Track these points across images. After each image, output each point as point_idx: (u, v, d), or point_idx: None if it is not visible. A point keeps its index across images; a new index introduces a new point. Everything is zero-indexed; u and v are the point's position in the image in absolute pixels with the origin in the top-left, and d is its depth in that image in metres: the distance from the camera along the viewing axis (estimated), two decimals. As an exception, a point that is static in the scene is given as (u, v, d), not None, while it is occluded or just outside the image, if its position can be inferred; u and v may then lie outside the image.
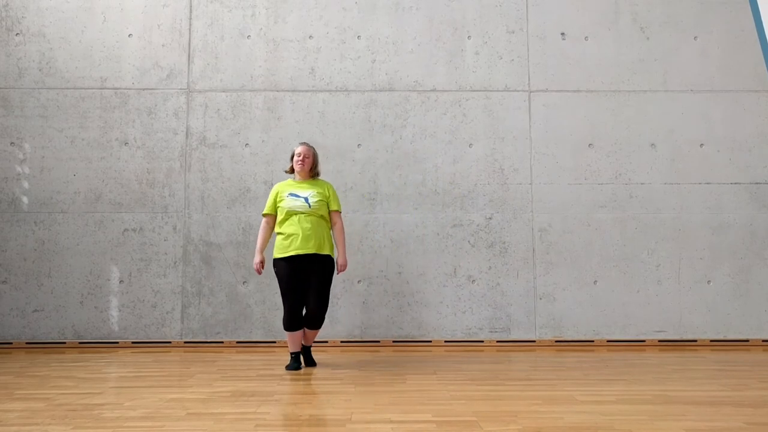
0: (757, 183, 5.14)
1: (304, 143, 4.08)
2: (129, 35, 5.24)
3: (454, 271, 5.07)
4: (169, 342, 4.97)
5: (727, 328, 5.02)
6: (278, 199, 3.97)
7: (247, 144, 5.16)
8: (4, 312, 4.96)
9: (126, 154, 5.13)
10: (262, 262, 3.96)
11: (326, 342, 4.98)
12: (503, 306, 5.04)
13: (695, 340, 5.01)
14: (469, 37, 5.27)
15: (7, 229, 5.03)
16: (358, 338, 5.00)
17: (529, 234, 5.10)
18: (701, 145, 5.18)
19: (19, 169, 5.10)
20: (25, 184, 5.09)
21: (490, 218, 5.11)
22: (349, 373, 3.78)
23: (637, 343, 4.99)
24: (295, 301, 3.83)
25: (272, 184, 5.11)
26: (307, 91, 5.22)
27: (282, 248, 3.88)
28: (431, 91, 5.22)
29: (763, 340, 4.99)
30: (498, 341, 5.01)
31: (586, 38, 5.28)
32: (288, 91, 5.21)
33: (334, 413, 2.76)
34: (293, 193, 3.94)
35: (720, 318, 5.02)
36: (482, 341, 5.00)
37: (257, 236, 4.11)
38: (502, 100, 5.22)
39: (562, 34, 5.28)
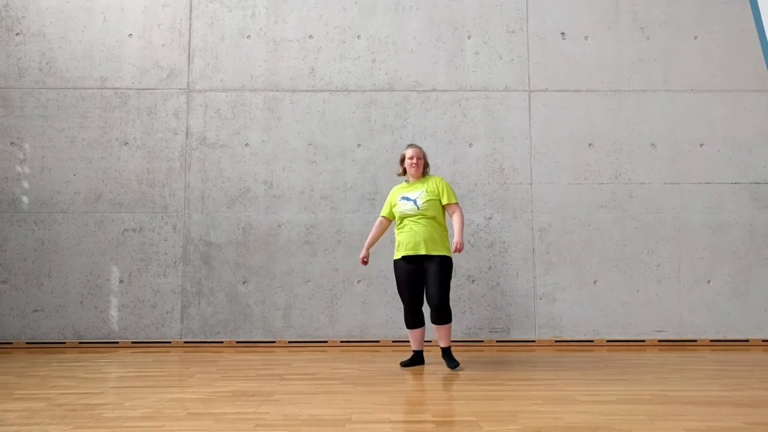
0: (757, 183, 5.14)
1: (412, 145, 4.09)
2: (129, 35, 5.24)
3: (454, 271, 5.06)
4: (169, 342, 4.97)
5: (727, 328, 5.02)
6: (393, 203, 4.04)
7: (247, 144, 5.16)
8: (4, 312, 4.96)
9: (126, 154, 5.13)
10: (365, 258, 4.08)
11: (326, 342, 4.99)
12: (503, 306, 5.04)
13: (695, 340, 5.01)
14: (469, 36, 5.27)
15: (7, 228, 5.03)
16: (358, 338, 5.00)
17: (529, 234, 5.10)
18: (701, 144, 5.18)
19: (19, 169, 5.10)
20: (26, 184, 5.09)
21: (490, 218, 5.11)
22: (348, 373, 3.78)
23: (637, 343, 4.99)
24: (411, 299, 3.92)
25: (272, 184, 5.11)
26: (307, 90, 5.22)
27: (397, 250, 3.99)
28: (431, 90, 5.22)
29: (763, 340, 4.99)
30: (498, 341, 5.01)
31: (586, 38, 5.28)
32: (288, 91, 5.21)
33: (334, 413, 2.76)
34: (404, 197, 3.99)
35: (720, 318, 5.02)
36: (482, 341, 5.00)
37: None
38: (502, 99, 5.22)
39: (562, 33, 5.28)
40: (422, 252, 3.86)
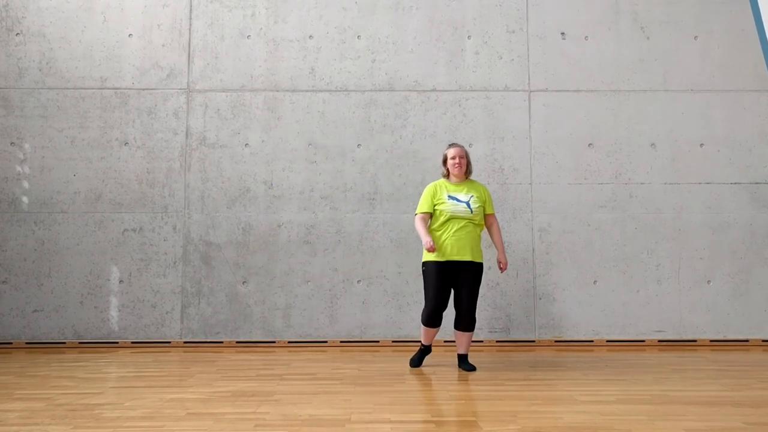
0: (757, 183, 5.14)
1: (454, 144, 4.04)
2: (129, 35, 5.24)
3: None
4: (169, 342, 4.97)
5: (727, 328, 5.02)
6: (437, 200, 3.90)
7: (247, 144, 5.16)
8: (4, 312, 4.96)
9: (126, 154, 5.13)
10: (432, 242, 3.79)
11: (326, 342, 4.99)
12: (503, 306, 5.03)
13: (695, 340, 5.00)
14: (469, 36, 5.27)
15: (7, 229, 5.03)
16: (358, 338, 5.00)
17: (528, 234, 5.10)
18: (701, 144, 5.18)
19: (19, 169, 5.10)
20: (25, 184, 5.09)
21: (490, 218, 5.10)
22: (348, 373, 3.78)
23: (636, 343, 4.99)
24: (440, 302, 3.82)
25: (272, 184, 5.11)
26: (307, 90, 5.22)
27: (439, 253, 3.83)
28: (431, 90, 5.22)
29: (763, 340, 4.99)
30: (497, 341, 5.01)
31: (586, 38, 5.28)
32: (288, 91, 5.21)
33: (334, 413, 2.76)
34: (453, 197, 3.89)
35: (720, 318, 5.02)
36: (482, 341, 5.00)
37: (417, 228, 3.91)
38: (502, 99, 5.22)
39: (562, 33, 5.28)
40: (467, 258, 3.82)
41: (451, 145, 4.03)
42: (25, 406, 2.90)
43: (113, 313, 4.99)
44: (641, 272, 5.06)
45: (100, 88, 5.18)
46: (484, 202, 3.96)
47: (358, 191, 5.12)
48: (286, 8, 5.28)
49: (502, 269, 3.99)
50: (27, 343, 4.95)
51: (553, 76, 5.24)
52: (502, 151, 5.17)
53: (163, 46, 5.23)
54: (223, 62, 5.22)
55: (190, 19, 5.26)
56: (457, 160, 3.93)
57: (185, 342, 4.98)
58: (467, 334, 3.91)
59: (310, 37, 5.26)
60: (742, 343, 4.98)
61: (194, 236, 5.06)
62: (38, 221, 5.04)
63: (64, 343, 4.96)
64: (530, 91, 5.23)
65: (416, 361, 4.01)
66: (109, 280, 5.01)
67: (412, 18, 5.28)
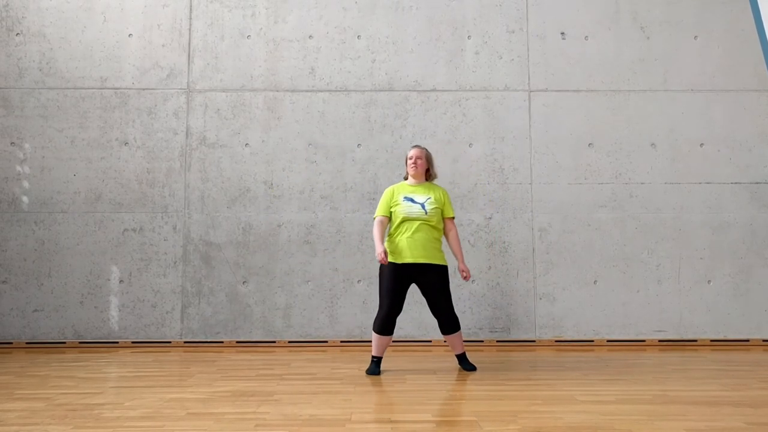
0: (757, 183, 5.13)
1: (416, 146, 4.00)
2: (129, 35, 5.24)
3: (454, 271, 5.06)
4: (169, 342, 4.97)
5: (727, 328, 5.02)
6: (393, 202, 3.87)
7: (247, 144, 5.16)
8: (4, 312, 4.96)
9: (126, 154, 5.13)
10: (386, 252, 3.73)
11: (326, 342, 4.98)
12: (503, 306, 5.03)
13: (695, 340, 5.00)
14: (469, 36, 5.27)
15: (7, 228, 5.03)
16: (358, 338, 5.00)
17: (529, 234, 5.10)
18: (701, 144, 5.18)
19: (19, 168, 5.10)
20: (26, 184, 5.09)
21: (490, 218, 5.10)
22: (348, 373, 3.78)
23: (637, 343, 4.99)
24: (394, 305, 3.73)
25: (272, 184, 5.11)
26: (307, 90, 5.22)
27: (393, 254, 3.78)
28: (431, 90, 5.22)
29: (764, 340, 4.99)
30: (498, 341, 5.01)
31: (586, 38, 5.28)
32: (288, 90, 5.21)
33: (334, 413, 2.76)
34: (409, 197, 3.85)
35: (720, 318, 5.02)
36: (482, 341, 5.00)
37: (373, 234, 3.83)
38: (502, 99, 5.21)
39: (562, 33, 5.28)
40: (424, 261, 3.75)
41: (413, 147, 4.00)
42: (25, 406, 2.90)
43: (113, 313, 4.99)
44: (641, 272, 5.06)
45: (100, 88, 5.18)
46: (443, 205, 3.90)
47: (358, 191, 5.12)
48: (286, 8, 5.28)
49: (464, 278, 3.89)
50: (27, 342, 4.95)
51: (553, 76, 5.24)
52: (502, 151, 5.17)
53: (163, 46, 5.23)
54: (223, 62, 5.22)
55: (190, 19, 5.26)
56: (413, 160, 3.91)
57: (185, 342, 4.98)
58: (455, 335, 3.88)
59: (310, 37, 5.26)
60: (742, 343, 4.98)
61: (194, 236, 5.06)
62: (38, 221, 5.04)
63: (64, 342, 4.96)
64: (530, 91, 5.23)
65: (373, 370, 3.78)
66: (109, 279, 5.01)
67: (412, 18, 5.28)
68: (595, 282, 5.06)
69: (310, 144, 5.16)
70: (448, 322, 3.83)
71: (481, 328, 5.01)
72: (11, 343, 4.94)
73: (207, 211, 5.09)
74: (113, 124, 5.15)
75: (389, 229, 3.90)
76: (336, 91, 5.22)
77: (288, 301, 5.02)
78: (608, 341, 5.01)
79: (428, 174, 4.00)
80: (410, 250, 3.75)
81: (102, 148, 5.13)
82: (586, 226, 5.11)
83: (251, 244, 5.05)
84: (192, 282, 5.02)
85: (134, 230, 5.06)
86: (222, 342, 4.98)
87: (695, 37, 5.26)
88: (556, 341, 5.01)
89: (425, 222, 3.81)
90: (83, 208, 5.07)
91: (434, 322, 4.99)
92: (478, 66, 5.24)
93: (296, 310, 5.01)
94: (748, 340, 4.99)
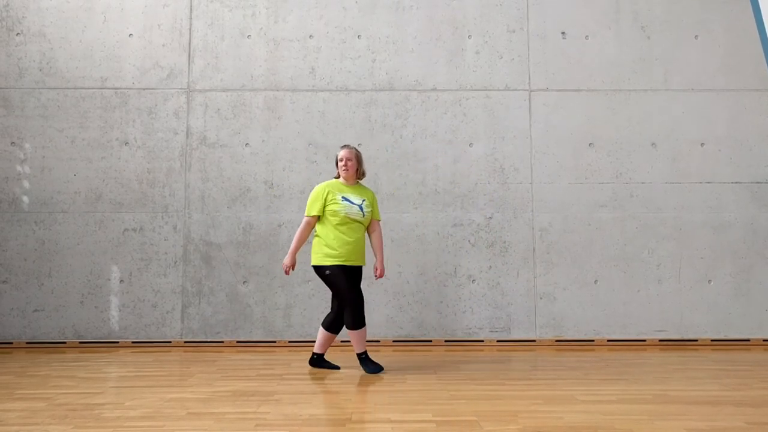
0: (758, 182, 5.13)
1: (345, 146, 3.97)
2: (129, 35, 5.24)
3: (455, 271, 5.06)
4: (170, 342, 4.97)
5: (728, 328, 5.01)
6: (329, 201, 3.81)
7: (247, 144, 5.16)
8: (4, 312, 4.96)
9: (126, 154, 5.13)
10: (293, 265, 3.82)
11: (327, 342, 4.98)
12: (503, 305, 5.03)
13: (696, 340, 5.00)
14: (469, 36, 5.27)
15: (7, 228, 5.03)
16: (359, 338, 4.99)
17: (529, 233, 5.10)
18: (702, 144, 5.17)
19: (19, 168, 5.10)
20: (26, 184, 5.09)
21: (491, 218, 5.10)
22: (349, 373, 3.78)
23: (637, 343, 4.99)
24: (359, 298, 3.77)
25: (272, 184, 5.11)
26: (307, 90, 5.21)
27: (338, 256, 3.75)
28: (431, 90, 5.22)
29: (764, 340, 4.99)
30: (498, 341, 5.01)
31: (586, 37, 5.27)
32: (288, 90, 5.21)
33: (334, 413, 2.76)
34: (348, 198, 3.83)
35: (721, 317, 5.02)
36: (482, 341, 5.00)
37: (296, 236, 3.85)
38: (502, 99, 5.21)
39: (563, 33, 5.28)
40: (361, 263, 3.87)
41: (342, 147, 3.97)
42: (26, 406, 2.90)
43: (114, 312, 4.99)
44: (642, 272, 5.06)
45: (101, 88, 5.18)
46: (372, 207, 3.94)
47: (358, 191, 5.12)
48: (287, 8, 5.27)
49: (377, 276, 3.94)
50: (27, 342, 4.95)
51: (554, 75, 5.23)
52: (502, 150, 5.17)
53: (163, 46, 5.23)
54: (224, 62, 5.22)
55: (191, 19, 5.26)
56: (344, 162, 3.88)
57: (186, 342, 4.97)
58: (359, 331, 3.84)
59: (311, 36, 5.26)
60: (743, 343, 4.98)
61: (194, 236, 5.06)
62: (39, 221, 5.05)
63: (65, 342, 4.96)
64: (531, 91, 5.22)
65: (373, 369, 3.80)
66: (109, 279, 5.01)
67: (413, 17, 5.28)
68: (595, 282, 5.06)
69: (310, 144, 5.16)
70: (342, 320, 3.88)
71: (481, 328, 5.01)
72: (12, 343, 4.94)
73: (207, 211, 5.09)
74: (113, 124, 5.15)
75: (317, 230, 3.86)
76: (336, 90, 5.22)
77: (288, 300, 5.02)
78: (609, 341, 5.00)
79: (358, 173, 3.97)
80: (354, 254, 3.80)
81: (102, 148, 5.13)
82: (586, 226, 5.10)
83: (251, 244, 5.05)
84: (192, 282, 5.02)
85: (134, 230, 5.06)
86: (222, 342, 4.98)
87: (696, 36, 5.26)
88: (557, 341, 5.01)
89: (362, 224, 3.86)
90: (83, 207, 5.07)
91: (434, 321, 5.00)
92: (478, 66, 5.24)
93: (296, 310, 5.00)
94: (748, 340, 4.99)
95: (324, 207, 3.81)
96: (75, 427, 2.53)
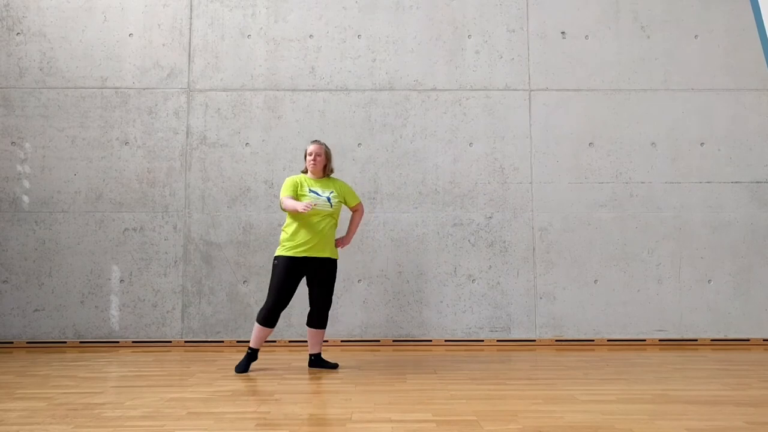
0: (757, 182, 5.13)
1: (315, 141, 3.99)
2: (129, 35, 5.24)
3: (455, 271, 5.07)
4: (170, 341, 4.98)
5: (728, 327, 5.02)
6: (300, 192, 3.85)
7: (247, 143, 5.16)
8: (5, 311, 4.96)
9: (126, 154, 5.13)
10: (307, 205, 3.63)
11: (326, 341, 4.98)
12: (503, 305, 5.03)
13: (696, 340, 5.00)
14: (469, 36, 5.27)
15: (8, 228, 5.03)
16: (359, 337, 5.00)
17: (529, 233, 5.10)
18: (702, 143, 5.18)
19: (20, 168, 5.10)
20: (26, 184, 5.09)
21: (491, 217, 5.10)
22: (349, 373, 3.78)
23: (637, 343, 4.99)
24: (284, 299, 3.77)
25: (273, 184, 5.11)
26: (307, 90, 5.22)
27: (293, 247, 3.78)
28: (431, 90, 5.22)
29: (764, 339, 4.99)
30: (498, 340, 5.01)
31: (586, 37, 5.27)
32: (288, 90, 5.21)
33: (335, 412, 2.76)
34: (314, 191, 3.87)
35: (720, 317, 5.02)
36: (482, 340, 5.00)
37: (287, 203, 3.73)
38: (502, 99, 5.21)
39: (563, 32, 5.28)
40: (325, 255, 3.82)
41: (312, 141, 3.98)
42: (26, 406, 2.90)
43: (114, 312, 4.99)
44: (642, 271, 5.06)
45: (101, 88, 5.18)
46: (344, 197, 3.97)
47: (358, 190, 5.12)
48: (287, 7, 5.27)
49: (337, 245, 3.95)
50: (28, 342, 4.95)
51: (554, 75, 5.23)
52: (502, 150, 5.17)
53: (163, 45, 5.23)
54: (224, 62, 5.22)
55: (191, 18, 5.26)
56: (313, 157, 3.90)
57: (186, 341, 4.98)
58: (320, 331, 3.92)
59: (311, 36, 5.26)
60: (743, 342, 4.98)
61: (195, 236, 5.06)
62: (39, 221, 5.05)
63: (65, 342, 4.96)
64: (530, 91, 5.22)
65: (243, 367, 3.81)
66: (109, 279, 5.01)
67: (413, 17, 5.28)
68: (595, 281, 5.06)
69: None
70: (320, 317, 3.89)
71: (481, 328, 5.02)
72: (12, 342, 4.95)
73: (207, 211, 5.09)
74: (114, 124, 5.15)
75: (286, 221, 3.88)
76: (336, 90, 5.22)
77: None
78: (608, 341, 5.01)
79: (326, 169, 3.98)
80: (313, 244, 3.78)
81: (102, 147, 5.13)
82: (586, 226, 5.11)
83: (252, 244, 5.05)
84: (192, 281, 5.02)
85: (135, 230, 5.06)
86: (222, 341, 4.98)
87: (696, 36, 5.26)
88: (557, 341, 5.01)
89: (330, 215, 3.86)
90: (84, 207, 5.07)
91: (434, 321, 5.00)
92: (478, 65, 5.24)
93: (296, 310, 5.00)
94: (748, 340, 4.99)
95: (297, 192, 3.85)
96: (75, 426, 2.53)
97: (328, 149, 4.01)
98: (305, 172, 4.00)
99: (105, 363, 4.19)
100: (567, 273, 5.06)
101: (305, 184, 3.89)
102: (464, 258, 5.05)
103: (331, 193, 3.88)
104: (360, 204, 4.07)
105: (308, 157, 3.92)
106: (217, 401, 2.99)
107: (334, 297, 5.01)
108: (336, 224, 3.95)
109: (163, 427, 2.52)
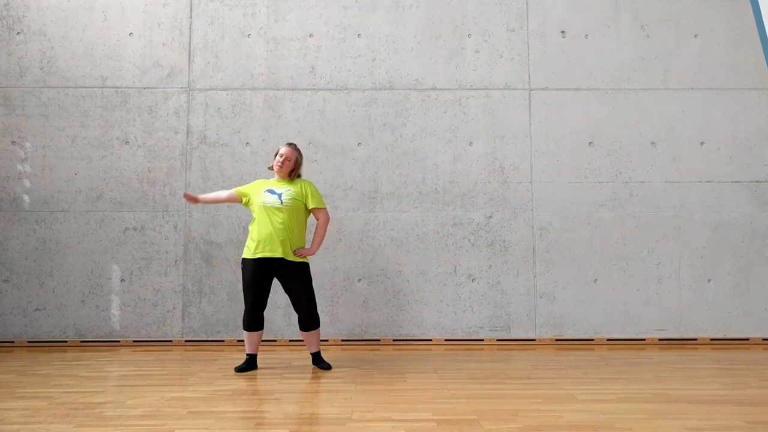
0: (757, 181, 5.14)
1: (289, 144, 3.98)
2: (130, 34, 5.24)
3: (455, 270, 5.07)
4: (170, 341, 4.98)
5: (728, 327, 5.02)
6: (255, 191, 3.90)
7: (247, 143, 5.16)
8: (5, 311, 4.97)
9: (127, 153, 5.14)
10: (193, 198, 3.93)
11: (327, 341, 4.99)
12: (503, 305, 5.04)
13: (695, 339, 5.01)
14: (469, 35, 5.27)
15: (8, 228, 5.04)
16: (359, 337, 5.01)
17: (529, 232, 5.11)
18: (702, 143, 5.18)
19: (20, 167, 5.11)
20: (27, 183, 5.10)
21: (491, 217, 5.11)
22: (349, 372, 3.79)
23: (637, 342, 5.00)
24: (255, 300, 3.77)
25: (273, 183, 5.11)
26: (307, 89, 5.22)
27: (251, 249, 3.80)
28: (431, 89, 5.22)
29: (764, 339, 5.00)
30: (498, 340, 5.02)
31: (586, 36, 5.28)
32: (288, 89, 5.22)
33: (335, 412, 2.77)
34: (270, 189, 3.89)
35: (720, 316, 5.03)
36: (482, 340, 5.01)
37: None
38: (502, 98, 5.22)
39: (563, 32, 5.28)
40: (278, 255, 3.75)
41: (287, 144, 3.98)
42: (27, 405, 2.90)
43: (114, 311, 5.00)
44: (641, 271, 5.06)
45: (101, 87, 5.18)
46: (305, 198, 3.90)
47: (358, 190, 5.13)
48: (287, 7, 5.28)
49: (300, 253, 3.82)
50: (28, 341, 4.96)
51: (554, 74, 5.24)
52: (502, 149, 5.17)
53: (163, 44, 5.23)
54: (224, 61, 5.22)
55: (191, 17, 5.26)
56: (281, 161, 3.90)
57: (186, 341, 4.98)
58: (312, 333, 3.90)
59: (311, 35, 5.26)
60: (742, 342, 4.99)
61: (195, 235, 5.07)
62: (39, 220, 5.05)
63: (66, 341, 4.96)
64: (530, 90, 5.23)
65: (243, 369, 3.84)
66: (110, 278, 5.02)
67: (413, 16, 5.28)
68: (595, 281, 5.06)
69: (310, 143, 5.16)
70: (305, 319, 3.86)
71: (481, 327, 5.02)
72: (13, 342, 4.95)
73: (208, 210, 5.09)
74: (114, 123, 5.15)
75: (251, 227, 3.89)
76: (336, 89, 5.22)
77: (288, 300, 5.01)
78: (608, 340, 5.01)
79: (292, 174, 3.97)
80: (265, 243, 3.76)
81: (103, 147, 5.13)
82: (586, 225, 5.11)
83: (252, 243, 5.05)
84: (193, 281, 5.03)
85: (135, 229, 5.07)
86: (223, 341, 4.99)
87: (695, 35, 5.26)
88: (557, 340, 5.02)
89: (283, 213, 3.79)
90: (84, 207, 5.08)
91: (435, 320, 5.01)
92: (478, 64, 5.24)
93: (297, 309, 5.01)
94: (748, 339, 5.00)
95: (250, 198, 3.92)
96: (76, 425, 2.53)
97: (300, 156, 3.99)
98: (272, 169, 4.01)
99: (106, 362, 4.19)
100: (567, 272, 5.06)
101: (265, 185, 3.93)
102: (464, 257, 5.06)
103: (287, 191, 3.86)
104: (323, 211, 3.95)
105: (277, 157, 3.93)
106: (217, 400, 2.99)
107: (333, 296, 5.02)
108: (298, 227, 3.87)
109: (164, 426, 2.53)
